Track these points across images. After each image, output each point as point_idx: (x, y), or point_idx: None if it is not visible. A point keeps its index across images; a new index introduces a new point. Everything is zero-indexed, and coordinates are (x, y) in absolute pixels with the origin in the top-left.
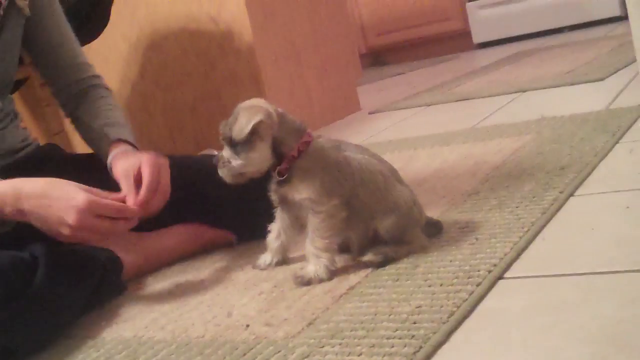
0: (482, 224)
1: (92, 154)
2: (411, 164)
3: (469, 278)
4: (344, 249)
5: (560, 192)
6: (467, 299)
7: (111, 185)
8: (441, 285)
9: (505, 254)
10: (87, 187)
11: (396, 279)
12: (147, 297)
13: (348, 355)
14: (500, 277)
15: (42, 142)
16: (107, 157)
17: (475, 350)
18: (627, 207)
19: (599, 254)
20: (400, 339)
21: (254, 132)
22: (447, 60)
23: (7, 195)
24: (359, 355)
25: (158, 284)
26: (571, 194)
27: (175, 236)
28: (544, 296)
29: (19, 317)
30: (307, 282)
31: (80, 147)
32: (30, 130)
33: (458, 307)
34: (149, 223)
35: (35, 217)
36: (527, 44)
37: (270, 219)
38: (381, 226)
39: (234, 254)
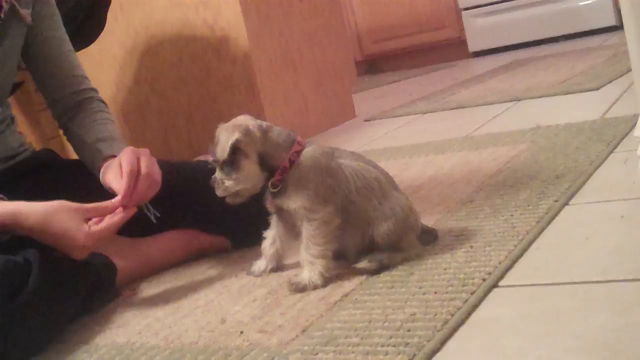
0: (477, 232)
1: None
2: (406, 172)
3: (463, 286)
4: (339, 255)
5: (555, 201)
6: (461, 307)
7: (104, 191)
8: (435, 293)
9: (500, 262)
10: (84, 208)
11: (391, 287)
12: (140, 303)
13: None
14: (495, 286)
15: (36, 146)
16: (98, 173)
17: (469, 358)
18: (622, 217)
19: (593, 263)
20: (394, 346)
21: (235, 151)
22: (443, 69)
23: (7, 224)
24: None
25: (152, 289)
26: (566, 203)
27: (169, 242)
28: (538, 305)
29: (11, 321)
30: (302, 289)
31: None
32: (24, 134)
33: (452, 315)
34: (143, 229)
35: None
36: (522, 53)
37: (265, 225)
38: (377, 233)
39: (228, 260)
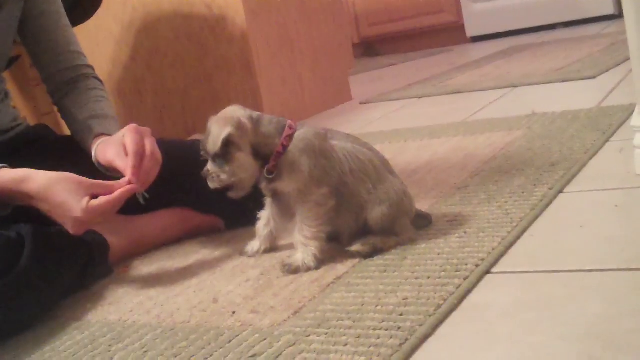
0: (471, 218)
1: None
2: (401, 156)
3: (456, 271)
4: (332, 238)
5: (550, 189)
6: (454, 293)
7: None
8: (429, 277)
9: (493, 249)
10: (89, 182)
11: (384, 270)
12: (133, 280)
13: (334, 345)
14: (488, 272)
15: (31, 122)
16: (90, 150)
17: (460, 343)
18: (616, 206)
19: (587, 252)
20: (386, 330)
21: (228, 145)
22: (440, 53)
23: (11, 190)
24: (344, 346)
25: (145, 268)
26: (560, 191)
27: (163, 220)
28: (530, 292)
29: (3, 297)
30: (295, 271)
31: None
32: (19, 109)
33: (445, 300)
34: (137, 207)
35: (42, 210)
36: (520, 39)
37: (260, 206)
38: (371, 216)
39: (222, 240)
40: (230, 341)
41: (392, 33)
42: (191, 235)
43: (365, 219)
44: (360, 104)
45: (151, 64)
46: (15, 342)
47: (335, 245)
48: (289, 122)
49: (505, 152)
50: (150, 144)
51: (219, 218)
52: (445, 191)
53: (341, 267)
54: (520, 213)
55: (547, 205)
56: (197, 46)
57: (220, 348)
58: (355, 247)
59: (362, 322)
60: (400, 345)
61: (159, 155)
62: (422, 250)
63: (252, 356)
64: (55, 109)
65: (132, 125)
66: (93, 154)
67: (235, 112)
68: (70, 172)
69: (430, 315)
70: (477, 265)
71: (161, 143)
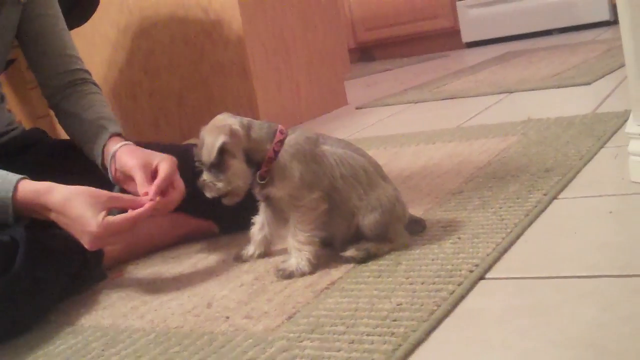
0: (465, 224)
1: None
2: (396, 161)
3: (450, 277)
4: (326, 243)
5: (544, 195)
6: (447, 298)
7: (94, 171)
8: (422, 283)
9: (487, 255)
10: (107, 196)
11: (378, 276)
12: (127, 285)
13: (327, 351)
14: (482, 278)
15: (26, 125)
16: (99, 148)
17: (454, 349)
18: (610, 212)
19: (581, 258)
20: (380, 335)
21: (222, 153)
22: (436, 58)
23: (29, 202)
24: (338, 351)
25: (139, 272)
26: (555, 197)
27: (157, 225)
28: (524, 298)
29: None
30: (289, 276)
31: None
32: (14, 112)
33: (439, 306)
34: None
35: (61, 225)
36: (515, 45)
37: (254, 210)
38: (363, 223)
39: (216, 244)
40: (223, 346)
41: (388, 38)
42: (186, 240)
43: (358, 225)
44: (356, 108)
45: (147, 68)
46: (8, 346)
47: (329, 251)
48: (280, 127)
49: (500, 158)
50: (181, 182)
51: (213, 223)
52: (440, 197)
53: (335, 273)
54: (514, 219)
55: (542, 211)
56: (193, 50)
57: (214, 353)
58: (349, 253)
59: (355, 327)
60: (394, 351)
61: (183, 189)
62: (416, 255)
63: None
64: (52, 112)
65: (170, 157)
66: (111, 151)
67: (226, 119)
68: (65, 176)
69: (424, 321)
70: (471, 271)
71: (156, 147)
